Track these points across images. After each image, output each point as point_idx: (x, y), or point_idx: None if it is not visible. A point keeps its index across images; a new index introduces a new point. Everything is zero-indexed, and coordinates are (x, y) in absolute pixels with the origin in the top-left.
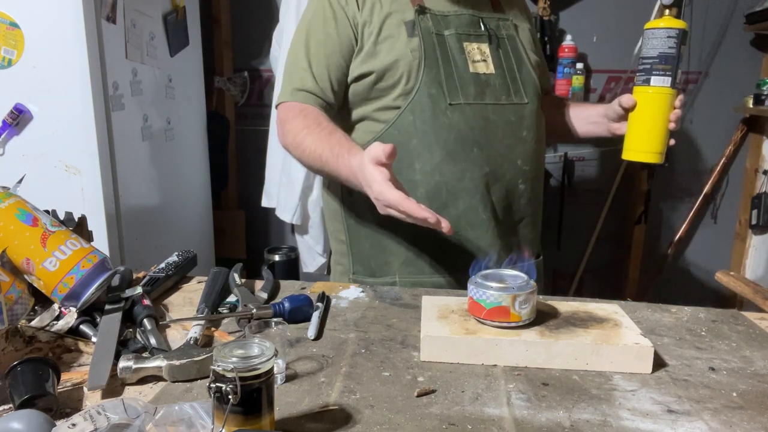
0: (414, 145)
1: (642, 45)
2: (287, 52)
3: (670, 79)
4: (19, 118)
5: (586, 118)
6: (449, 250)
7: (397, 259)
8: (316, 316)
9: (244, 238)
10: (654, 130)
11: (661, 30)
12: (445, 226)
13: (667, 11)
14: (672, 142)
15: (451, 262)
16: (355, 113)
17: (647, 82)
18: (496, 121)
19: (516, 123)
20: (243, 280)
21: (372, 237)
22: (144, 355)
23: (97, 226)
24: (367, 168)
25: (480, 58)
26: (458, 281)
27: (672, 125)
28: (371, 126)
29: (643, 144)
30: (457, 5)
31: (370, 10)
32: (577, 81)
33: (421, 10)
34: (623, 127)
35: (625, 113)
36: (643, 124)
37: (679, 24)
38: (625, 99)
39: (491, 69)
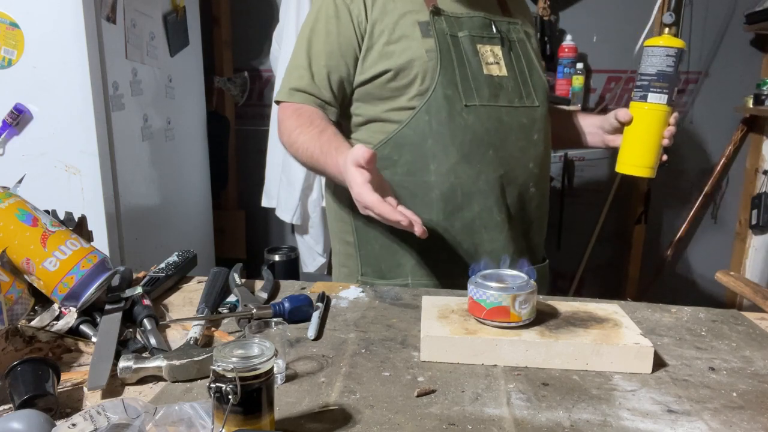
0: (429, 146)
1: (641, 61)
2: (293, 48)
3: (666, 96)
4: (19, 118)
5: (582, 128)
6: (463, 252)
7: (409, 261)
8: (316, 316)
9: (244, 238)
10: (648, 146)
11: (660, 48)
12: (418, 229)
13: (666, 29)
14: (665, 158)
15: (465, 264)
16: (366, 113)
17: (644, 98)
18: (509, 123)
19: (528, 126)
20: (243, 280)
21: (382, 238)
22: (144, 355)
23: (97, 226)
24: (349, 170)
25: (493, 60)
26: None
27: (666, 141)
28: (383, 126)
29: (636, 158)
30: (469, 8)
31: (382, 9)
32: (577, 81)
33: (436, 11)
34: (617, 139)
35: (621, 126)
36: (638, 139)
37: (678, 43)
38: (622, 113)
39: (504, 71)
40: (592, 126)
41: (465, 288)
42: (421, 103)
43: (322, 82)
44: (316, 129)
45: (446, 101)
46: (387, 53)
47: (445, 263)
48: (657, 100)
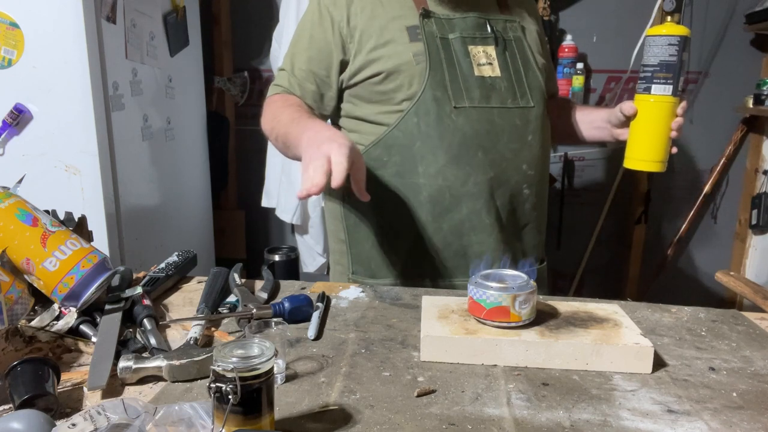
0: (417, 149)
1: (643, 52)
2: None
3: (671, 87)
4: (19, 118)
5: (590, 123)
6: (452, 253)
7: (398, 262)
8: (316, 316)
9: (244, 238)
10: (655, 139)
11: (662, 37)
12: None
13: (668, 17)
14: (674, 150)
15: (453, 266)
16: (357, 115)
17: (648, 90)
18: (501, 125)
19: (522, 127)
20: (243, 280)
21: (373, 238)
22: (144, 355)
23: (97, 226)
24: (340, 144)
25: (486, 61)
26: (460, 287)
27: (674, 133)
28: (374, 128)
29: (644, 153)
30: (462, 9)
31: (371, 14)
32: (577, 81)
33: (426, 14)
34: (626, 132)
35: (627, 120)
36: (644, 132)
37: (681, 30)
38: (626, 107)
39: (497, 72)
40: (600, 120)
41: (454, 289)
42: (410, 105)
43: (303, 83)
44: (289, 106)
45: (435, 103)
46: (374, 58)
47: (434, 265)
48: (661, 91)
